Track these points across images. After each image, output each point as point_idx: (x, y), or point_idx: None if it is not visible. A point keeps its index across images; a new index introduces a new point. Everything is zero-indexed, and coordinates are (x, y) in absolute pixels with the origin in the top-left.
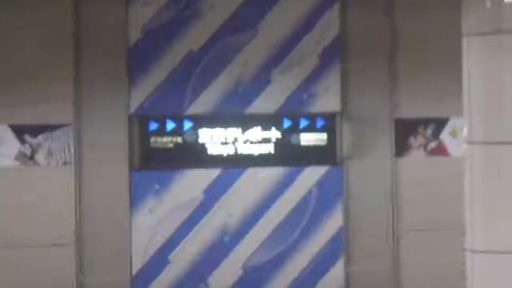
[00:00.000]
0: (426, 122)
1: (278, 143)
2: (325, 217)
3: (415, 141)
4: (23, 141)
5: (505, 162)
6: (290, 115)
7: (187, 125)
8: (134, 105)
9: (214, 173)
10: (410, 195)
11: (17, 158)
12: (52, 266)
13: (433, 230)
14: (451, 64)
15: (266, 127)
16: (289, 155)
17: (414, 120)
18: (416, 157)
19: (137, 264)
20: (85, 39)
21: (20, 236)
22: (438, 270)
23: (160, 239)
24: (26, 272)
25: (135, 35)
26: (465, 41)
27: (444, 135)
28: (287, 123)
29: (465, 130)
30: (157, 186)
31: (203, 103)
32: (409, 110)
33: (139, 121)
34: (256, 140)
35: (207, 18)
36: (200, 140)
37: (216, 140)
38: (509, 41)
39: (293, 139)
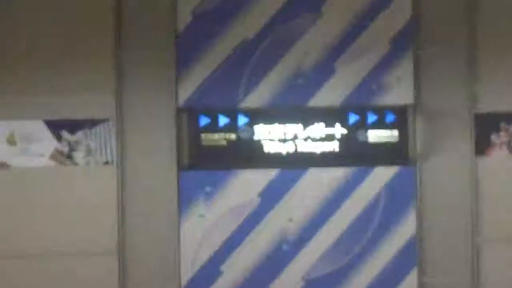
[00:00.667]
0: (510, 116)
1: (343, 141)
2: (396, 224)
3: (498, 138)
4: (59, 138)
5: None
6: (356, 109)
7: (242, 120)
8: (183, 98)
9: (271, 173)
10: (492, 199)
11: (53, 157)
12: (93, 277)
13: None
14: None
15: (329, 123)
16: (356, 154)
17: (497, 114)
18: (498, 156)
19: (186, 275)
20: (128, 24)
21: (57, 244)
22: None
23: (211, 247)
24: (64, 283)
25: (184, 19)
26: None
27: None
28: (353, 118)
29: None
30: (208, 188)
31: (259, 96)
32: (490, 103)
33: (188, 115)
34: (318, 137)
35: (264, 0)
36: (256, 137)
37: (274, 137)
38: None
39: (360, 136)
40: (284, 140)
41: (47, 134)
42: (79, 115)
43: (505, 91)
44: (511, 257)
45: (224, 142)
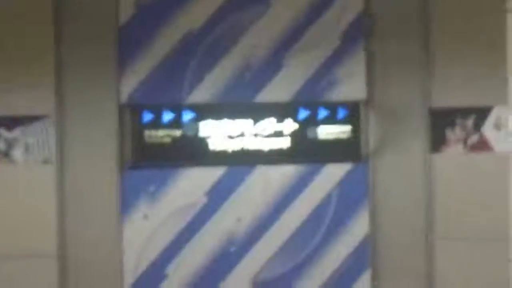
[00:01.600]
0: (465, 112)
1: (293, 137)
2: (348, 223)
3: (453, 134)
4: None
5: None
6: (307, 104)
7: (187, 116)
8: (125, 93)
9: (218, 171)
10: (447, 198)
11: None
12: (31, 280)
13: (473, 239)
14: (496, 44)
15: (279, 118)
16: (306, 151)
17: (452, 109)
18: (453, 153)
19: (129, 278)
20: (68, 15)
21: None
22: (479, 285)
23: (155, 249)
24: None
25: (126, 11)
26: (510, 17)
27: (487, 128)
28: (303, 114)
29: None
30: (152, 188)
31: (205, 91)
32: (445, 98)
33: (131, 111)
34: (267, 134)
35: None
36: (202, 134)
37: (221, 133)
38: None
39: (310, 132)
40: (231, 137)
41: None
42: (17, 111)
43: (461, 84)
44: (467, 257)
45: (168, 139)
